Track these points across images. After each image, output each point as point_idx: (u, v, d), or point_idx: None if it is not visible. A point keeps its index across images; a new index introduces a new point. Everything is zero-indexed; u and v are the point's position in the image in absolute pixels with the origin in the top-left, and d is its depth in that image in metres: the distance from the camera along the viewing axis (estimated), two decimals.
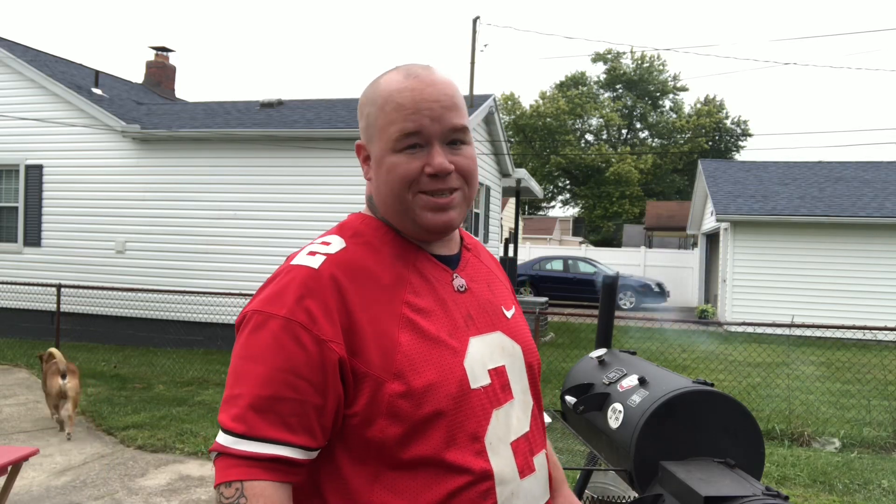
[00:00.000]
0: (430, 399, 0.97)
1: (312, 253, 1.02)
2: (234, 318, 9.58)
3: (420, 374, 0.97)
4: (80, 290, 9.99)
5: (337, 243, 1.04)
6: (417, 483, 0.97)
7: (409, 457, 0.96)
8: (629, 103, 45.15)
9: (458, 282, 1.11)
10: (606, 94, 46.09)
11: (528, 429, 1.11)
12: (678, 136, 43.29)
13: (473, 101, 10.87)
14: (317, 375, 0.94)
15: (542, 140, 42.70)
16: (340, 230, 1.08)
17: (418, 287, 1.04)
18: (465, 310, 1.08)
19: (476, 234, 11.58)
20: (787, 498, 1.92)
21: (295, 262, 1.01)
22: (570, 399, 2.40)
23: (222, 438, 0.93)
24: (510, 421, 1.07)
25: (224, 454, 0.93)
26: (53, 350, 5.76)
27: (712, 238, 19.19)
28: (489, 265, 1.23)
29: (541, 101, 43.07)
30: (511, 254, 15.20)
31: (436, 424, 0.97)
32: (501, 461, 1.03)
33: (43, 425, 5.66)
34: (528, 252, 23.02)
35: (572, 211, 47.46)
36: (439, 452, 0.97)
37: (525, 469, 1.07)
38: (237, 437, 0.92)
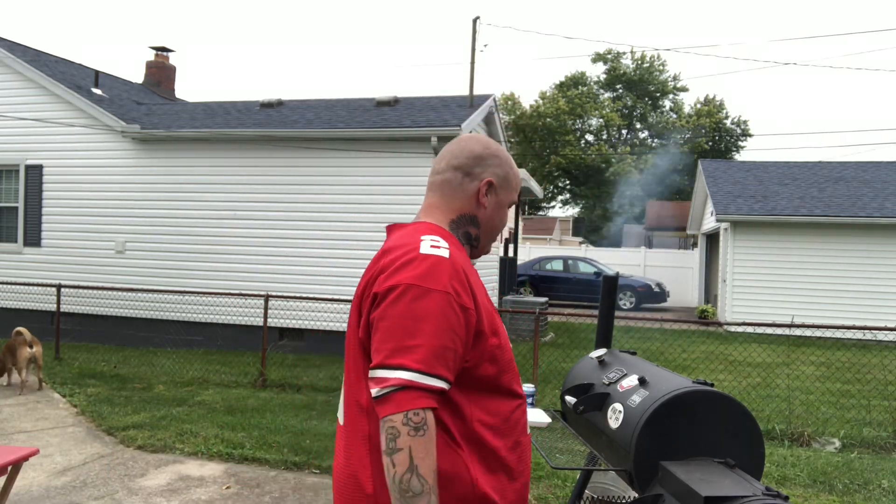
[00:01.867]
0: (507, 349, 1.45)
1: (436, 246, 1.37)
2: (234, 318, 9.61)
3: (500, 333, 1.44)
4: (80, 290, 9.99)
5: (445, 243, 1.40)
6: (496, 402, 1.42)
7: (494, 385, 1.41)
8: (629, 103, 45.14)
9: None
10: (606, 94, 46.08)
11: None
12: (678, 136, 43.29)
13: (473, 101, 10.87)
14: (463, 332, 1.32)
15: (542, 140, 42.68)
16: (436, 233, 1.43)
17: (481, 282, 1.47)
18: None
19: None
20: (787, 498, 1.92)
21: (426, 251, 1.35)
22: (570, 399, 2.40)
23: (407, 375, 1.24)
24: None
25: (410, 387, 1.24)
26: (21, 328, 6.93)
27: (712, 238, 19.19)
28: None
29: (541, 101, 43.04)
30: (511, 254, 15.20)
31: (510, 366, 1.46)
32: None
33: (43, 425, 5.66)
34: (527, 252, 23.01)
35: (572, 211, 47.47)
36: (510, 384, 1.46)
37: None
38: (422, 374, 1.25)
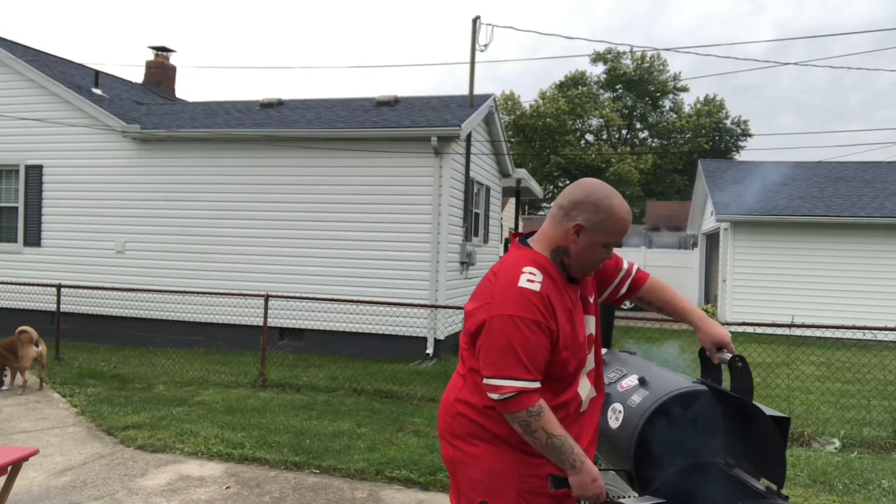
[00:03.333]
0: (572, 362, 1.87)
1: (531, 281, 1.79)
2: (234, 318, 9.62)
3: (570, 349, 1.85)
4: (80, 290, 9.99)
5: (538, 276, 1.81)
6: (555, 390, 1.86)
7: (559, 378, 1.87)
8: (629, 103, 45.12)
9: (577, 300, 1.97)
10: (606, 94, 46.06)
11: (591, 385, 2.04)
12: (678, 137, 43.29)
13: (473, 101, 10.87)
14: (549, 346, 1.79)
15: (542, 140, 42.67)
16: (538, 266, 1.84)
17: (568, 303, 1.89)
18: (581, 316, 1.97)
19: (476, 234, 11.57)
20: (787, 498, 1.92)
21: (523, 285, 1.78)
22: None
23: (518, 383, 1.73)
24: (585, 383, 1.99)
25: (524, 392, 1.73)
26: (26, 327, 6.93)
27: (712, 238, 19.18)
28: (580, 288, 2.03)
29: (541, 101, 43.03)
30: None
31: (572, 371, 1.89)
32: (583, 391, 1.96)
33: (43, 425, 5.66)
34: None
35: None
36: (571, 381, 1.90)
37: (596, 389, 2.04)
38: (530, 382, 1.74)
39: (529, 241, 1.97)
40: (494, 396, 1.74)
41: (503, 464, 1.82)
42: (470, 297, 1.94)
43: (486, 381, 1.76)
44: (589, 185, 1.89)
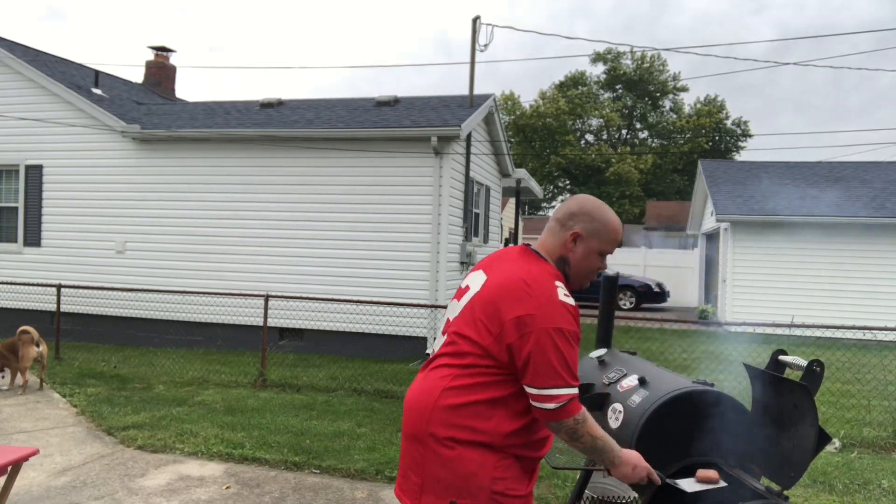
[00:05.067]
0: None
1: (567, 295, 1.86)
2: (234, 318, 9.61)
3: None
4: (80, 290, 9.99)
5: (567, 289, 1.90)
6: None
7: None
8: (629, 103, 45.13)
9: None
10: (606, 95, 46.06)
11: None
12: (678, 137, 43.29)
13: (473, 101, 10.87)
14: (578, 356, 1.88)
15: (542, 140, 42.67)
16: (562, 281, 1.91)
17: None
18: None
19: (476, 234, 11.57)
20: (787, 498, 1.92)
21: (562, 299, 1.84)
22: None
23: (567, 391, 1.79)
24: None
25: (574, 399, 1.81)
26: (27, 327, 6.92)
27: (712, 238, 19.18)
28: None
29: (541, 101, 43.03)
30: None
31: None
32: None
33: (43, 425, 5.66)
34: None
35: None
36: None
37: None
38: (572, 389, 1.81)
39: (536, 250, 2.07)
40: (551, 406, 1.80)
41: (476, 465, 1.83)
42: (492, 290, 1.91)
43: (541, 391, 1.81)
44: (583, 198, 2.05)
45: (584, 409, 1.84)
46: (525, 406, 1.85)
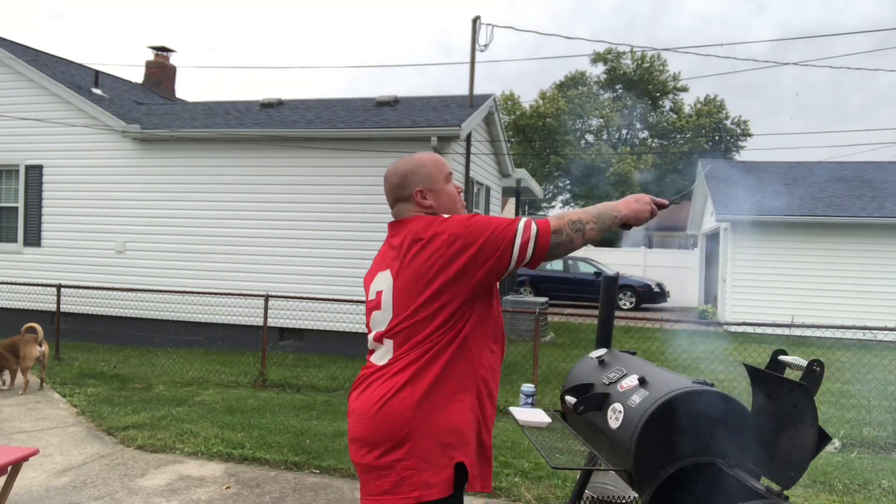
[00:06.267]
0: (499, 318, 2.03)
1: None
2: (234, 318, 9.61)
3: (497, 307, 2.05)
4: (80, 290, 9.99)
5: None
6: (495, 337, 2.00)
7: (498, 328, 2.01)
8: (629, 103, 45.09)
9: None
10: (606, 95, 46.04)
11: None
12: (678, 137, 43.28)
13: (473, 101, 10.87)
14: None
15: (542, 140, 42.66)
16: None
17: None
18: None
19: None
20: (786, 498, 1.92)
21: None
22: (570, 399, 2.40)
23: (519, 224, 1.80)
24: None
25: (528, 221, 1.80)
26: (33, 324, 6.95)
27: (712, 238, 19.18)
28: None
29: (541, 102, 43.02)
30: None
31: (502, 328, 2.05)
32: None
33: (43, 425, 5.66)
34: None
35: None
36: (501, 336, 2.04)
37: None
38: (520, 220, 1.81)
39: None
40: (530, 243, 1.78)
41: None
42: (406, 260, 1.86)
43: (513, 246, 1.78)
44: (385, 175, 2.12)
45: (545, 218, 1.83)
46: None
